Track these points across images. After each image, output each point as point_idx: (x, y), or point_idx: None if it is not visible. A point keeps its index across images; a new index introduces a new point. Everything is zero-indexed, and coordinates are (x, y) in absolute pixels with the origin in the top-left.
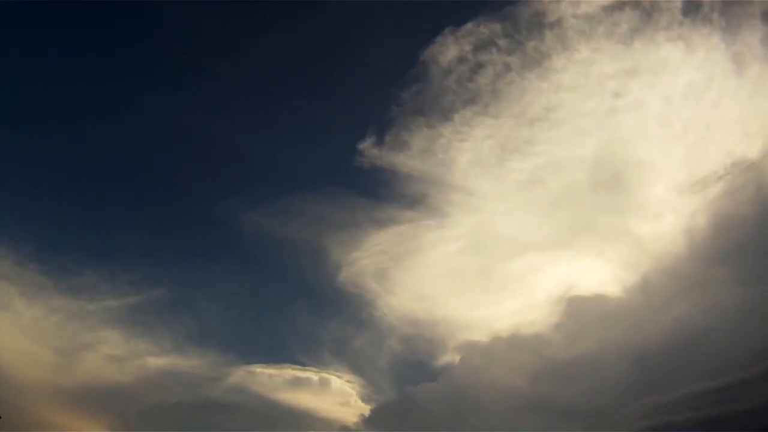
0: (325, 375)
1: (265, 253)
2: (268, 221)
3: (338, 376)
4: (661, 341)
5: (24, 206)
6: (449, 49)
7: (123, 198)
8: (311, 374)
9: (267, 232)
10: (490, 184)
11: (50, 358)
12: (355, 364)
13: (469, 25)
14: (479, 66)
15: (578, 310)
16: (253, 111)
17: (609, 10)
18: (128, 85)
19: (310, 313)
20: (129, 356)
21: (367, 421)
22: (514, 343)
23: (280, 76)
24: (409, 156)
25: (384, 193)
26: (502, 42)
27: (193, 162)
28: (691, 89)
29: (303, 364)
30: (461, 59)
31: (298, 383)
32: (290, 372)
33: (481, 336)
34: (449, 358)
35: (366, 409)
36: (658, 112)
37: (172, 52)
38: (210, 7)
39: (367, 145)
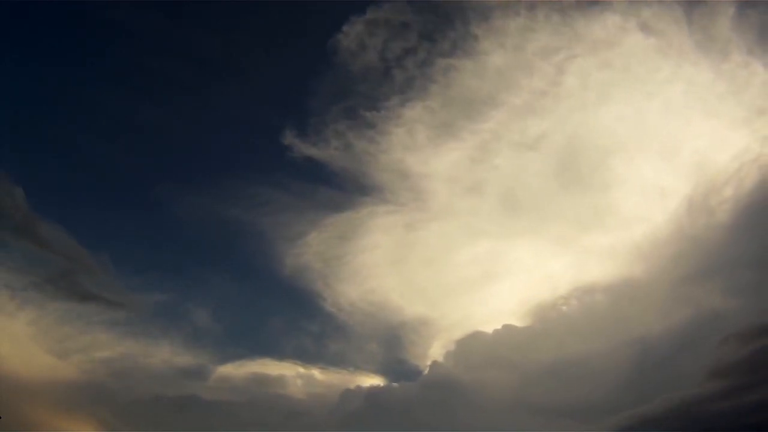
0: (294, 370)
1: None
2: (208, 205)
3: (304, 370)
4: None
5: None
6: (360, 37)
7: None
8: (271, 368)
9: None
10: (432, 169)
11: (43, 359)
12: (323, 358)
13: (374, 10)
14: (395, 51)
15: (553, 311)
16: (194, 105)
17: None
18: (91, 90)
19: (266, 305)
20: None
21: (346, 418)
22: (483, 344)
23: (214, 72)
24: (337, 146)
25: (321, 182)
26: (415, 25)
27: (131, 150)
28: (649, 75)
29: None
30: (373, 46)
31: (257, 378)
32: (252, 367)
33: (447, 335)
34: (418, 356)
35: (343, 405)
36: (611, 98)
37: (120, 53)
38: (151, 10)
39: (292, 137)
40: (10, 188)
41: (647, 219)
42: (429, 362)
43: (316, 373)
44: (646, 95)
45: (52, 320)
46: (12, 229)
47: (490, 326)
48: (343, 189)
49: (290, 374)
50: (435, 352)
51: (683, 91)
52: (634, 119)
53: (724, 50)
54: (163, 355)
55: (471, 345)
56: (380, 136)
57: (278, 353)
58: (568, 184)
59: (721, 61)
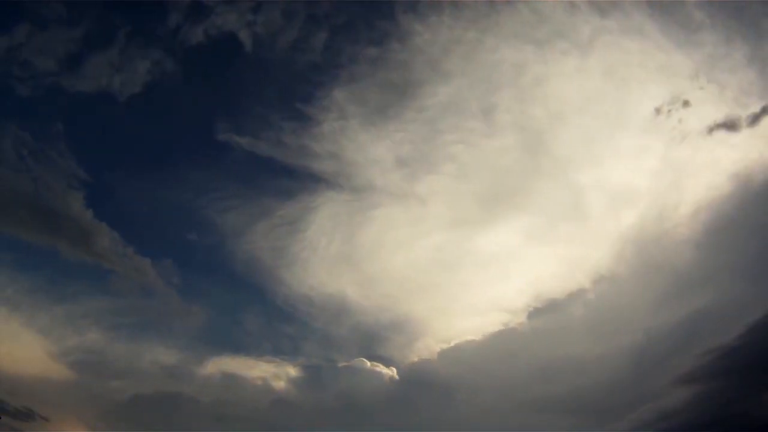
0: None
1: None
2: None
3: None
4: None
5: None
6: (273, 25)
7: None
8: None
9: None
10: (379, 156)
11: (36, 360)
12: (285, 353)
13: None
14: (312, 37)
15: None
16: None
17: None
18: None
19: (230, 301)
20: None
21: (324, 413)
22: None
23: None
24: (280, 140)
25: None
26: (352, 18)
27: None
28: (608, 64)
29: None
30: (289, 35)
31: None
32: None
33: (423, 333)
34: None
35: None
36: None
37: None
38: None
39: (228, 130)
40: None
41: (623, 213)
42: (404, 360)
43: (290, 370)
44: (605, 80)
45: (49, 321)
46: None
47: (468, 320)
48: (294, 180)
49: (260, 371)
50: (412, 349)
51: (650, 78)
52: (596, 106)
53: (695, 36)
54: (149, 353)
55: (459, 349)
56: (320, 128)
57: (244, 350)
58: (536, 171)
59: (692, 48)
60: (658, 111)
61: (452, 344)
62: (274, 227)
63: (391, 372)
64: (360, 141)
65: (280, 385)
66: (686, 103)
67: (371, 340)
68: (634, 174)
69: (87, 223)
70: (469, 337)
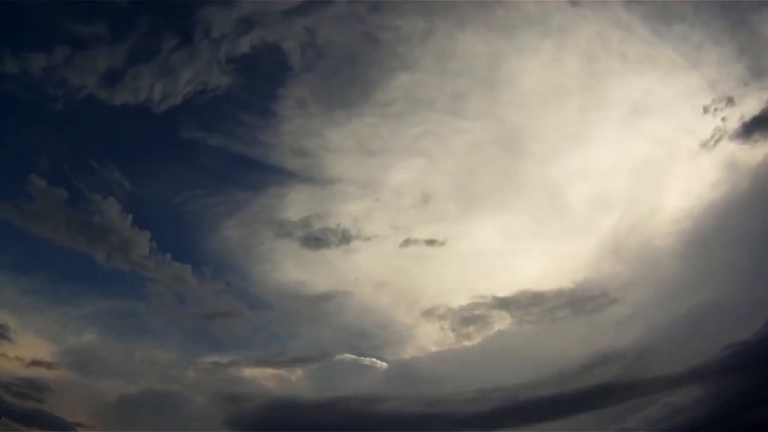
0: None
1: None
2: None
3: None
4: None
5: None
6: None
7: None
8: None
9: None
10: (347, 145)
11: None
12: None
13: None
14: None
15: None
16: None
17: None
18: None
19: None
20: None
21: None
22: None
23: None
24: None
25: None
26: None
27: None
28: (584, 56)
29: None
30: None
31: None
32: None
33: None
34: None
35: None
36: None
37: None
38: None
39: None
40: None
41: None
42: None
43: (279, 367)
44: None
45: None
46: None
47: (455, 320)
48: (262, 173)
49: (249, 371)
50: (400, 350)
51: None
52: (573, 99)
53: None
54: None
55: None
56: (287, 125)
57: (233, 349)
58: (514, 166)
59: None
60: (705, 110)
61: (440, 347)
62: (249, 223)
63: (380, 368)
64: (328, 136)
65: (270, 384)
66: (731, 101)
67: (357, 340)
68: (619, 168)
69: (126, 230)
70: (455, 340)
